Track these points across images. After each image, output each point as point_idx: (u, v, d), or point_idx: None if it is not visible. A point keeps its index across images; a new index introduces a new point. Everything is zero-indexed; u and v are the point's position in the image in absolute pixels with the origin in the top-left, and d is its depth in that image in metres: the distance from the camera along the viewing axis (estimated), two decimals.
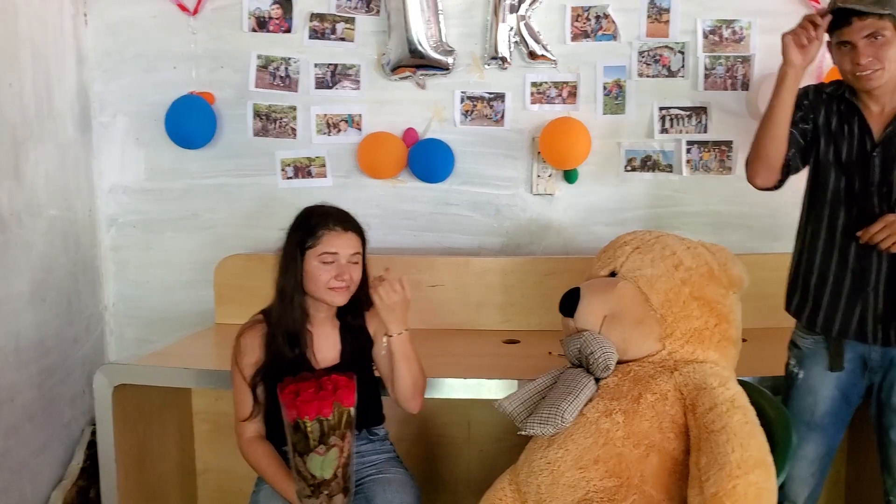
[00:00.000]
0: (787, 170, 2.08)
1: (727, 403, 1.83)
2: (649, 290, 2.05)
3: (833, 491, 2.78)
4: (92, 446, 2.99)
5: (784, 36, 2.00)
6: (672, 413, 1.89)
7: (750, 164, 2.12)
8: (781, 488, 2.11)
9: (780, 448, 1.88)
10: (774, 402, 2.02)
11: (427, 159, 3.06)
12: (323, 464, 1.80)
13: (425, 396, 2.30)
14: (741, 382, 2.04)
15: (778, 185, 2.12)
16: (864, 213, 2.00)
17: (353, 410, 1.87)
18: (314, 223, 2.02)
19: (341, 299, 2.03)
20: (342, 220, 2.05)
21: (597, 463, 1.85)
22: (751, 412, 1.85)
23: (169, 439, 2.82)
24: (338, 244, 2.01)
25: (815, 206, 2.10)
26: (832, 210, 2.05)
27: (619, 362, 2.02)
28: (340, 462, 1.83)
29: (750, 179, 2.12)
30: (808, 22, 1.95)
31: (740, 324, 2.13)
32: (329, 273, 1.99)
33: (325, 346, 2.08)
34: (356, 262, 2.05)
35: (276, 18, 3.10)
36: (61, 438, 2.99)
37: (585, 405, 1.92)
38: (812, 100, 2.11)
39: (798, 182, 2.17)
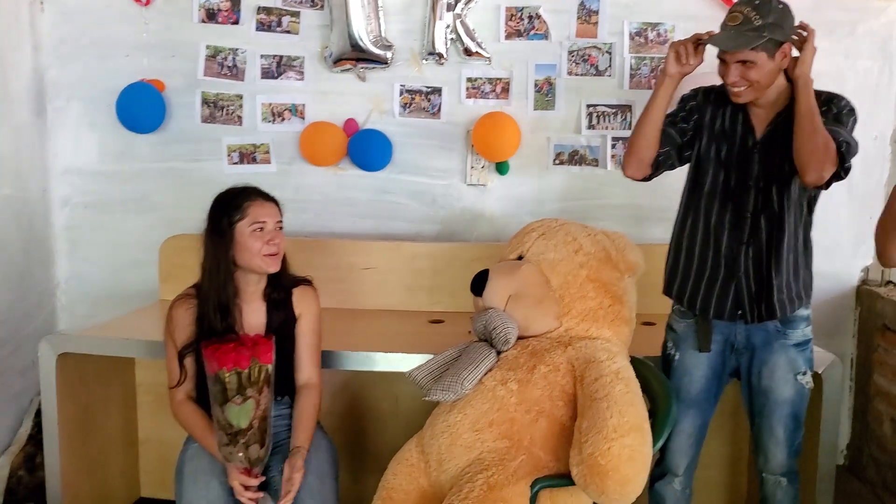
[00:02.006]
0: (658, 165, 2.24)
1: (611, 375, 2.02)
2: (550, 273, 2.24)
3: (735, 467, 2.97)
4: (40, 415, 3.12)
5: (671, 44, 2.18)
6: (563, 383, 2.07)
7: (625, 156, 2.27)
8: (663, 460, 2.32)
9: (660, 417, 2.07)
10: (661, 377, 2.21)
11: (367, 149, 3.22)
12: (240, 413, 1.95)
13: (355, 369, 2.53)
14: (635, 360, 2.23)
15: (648, 178, 2.28)
16: (738, 207, 2.18)
17: (270, 368, 2.02)
18: (237, 199, 2.18)
19: (275, 266, 2.18)
20: (261, 193, 2.22)
21: (491, 426, 2.03)
22: (634, 384, 2.03)
23: (112, 409, 2.96)
24: (264, 213, 2.17)
25: (694, 199, 2.26)
26: (708, 203, 2.22)
27: (521, 337, 2.20)
28: (256, 414, 1.98)
29: (623, 170, 2.27)
30: (690, 42, 2.15)
31: (634, 305, 2.32)
32: (261, 240, 2.14)
33: (253, 319, 2.23)
34: (281, 229, 2.21)
35: (225, 11, 3.24)
36: (10, 407, 3.13)
37: (486, 375, 2.10)
38: (699, 101, 2.27)
39: None
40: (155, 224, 3.36)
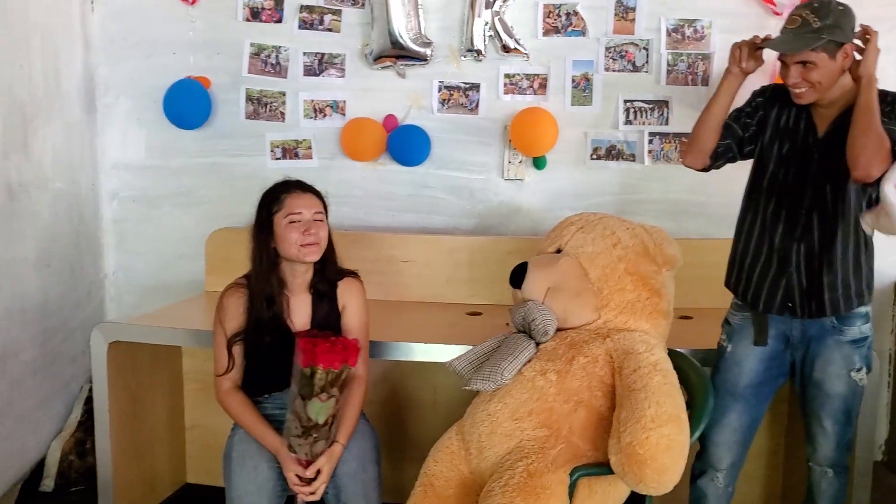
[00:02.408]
0: (717, 157, 2.30)
1: (649, 367, 2.05)
2: (589, 266, 2.27)
3: (772, 459, 2.99)
4: (90, 402, 3.22)
5: (733, 45, 2.25)
6: (601, 374, 2.11)
7: (686, 146, 2.39)
8: (704, 455, 2.35)
9: (697, 409, 2.10)
10: (698, 369, 2.23)
11: (405, 144, 3.28)
12: (321, 410, 2.02)
13: (394, 359, 2.62)
14: (672, 352, 2.26)
15: (707, 168, 2.34)
16: (793, 204, 2.20)
17: (352, 370, 2.10)
18: (277, 192, 2.25)
19: (313, 256, 2.22)
20: (300, 185, 2.28)
21: (530, 415, 2.08)
22: (671, 375, 2.07)
23: (160, 396, 3.05)
24: (300, 204, 2.22)
25: (754, 194, 2.29)
26: (766, 198, 2.25)
27: (560, 329, 2.24)
28: (333, 412, 2.06)
29: (681, 157, 2.40)
30: (747, 45, 2.22)
31: (672, 298, 2.34)
32: (297, 231, 2.19)
33: (300, 311, 2.29)
34: (320, 220, 2.25)
35: (269, 9, 3.32)
36: (61, 394, 3.24)
37: (524, 365, 2.15)
38: (767, 98, 2.30)
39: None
40: (200, 218, 3.46)
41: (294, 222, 2.20)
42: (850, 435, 2.28)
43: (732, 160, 2.35)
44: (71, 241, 3.31)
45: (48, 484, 3.10)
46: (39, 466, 3.10)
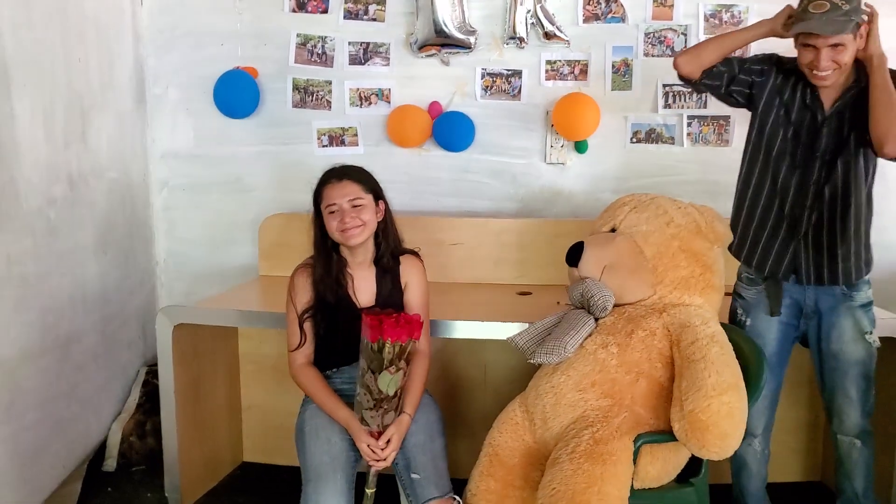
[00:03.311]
0: (709, 75, 2.40)
1: (707, 338, 2.14)
2: (643, 244, 2.36)
3: (812, 432, 3.07)
4: (147, 385, 3.35)
5: (788, 8, 2.35)
6: (660, 347, 2.20)
7: (684, 51, 2.53)
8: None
9: (752, 378, 2.18)
10: (750, 340, 2.32)
11: (450, 130, 3.37)
12: (390, 382, 2.10)
13: (446, 337, 2.67)
14: (724, 325, 2.34)
15: (692, 80, 2.44)
16: (804, 174, 2.31)
17: (416, 343, 2.19)
18: (320, 183, 2.35)
19: (355, 238, 2.29)
20: (338, 173, 2.35)
21: (594, 386, 2.17)
22: (728, 347, 2.16)
23: (219, 377, 3.14)
24: (334, 195, 2.30)
25: (761, 159, 2.40)
26: (776, 165, 2.36)
27: (616, 305, 2.32)
28: (402, 383, 2.15)
29: (675, 58, 2.45)
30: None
31: (723, 273, 2.43)
32: (336, 220, 2.29)
33: (364, 287, 2.38)
34: (360, 205, 2.31)
35: (314, 0, 3.40)
36: (119, 378, 3.35)
37: (585, 339, 2.24)
38: (775, 69, 2.39)
39: None
40: (248, 205, 3.55)
41: (333, 212, 2.29)
42: (871, 399, 2.40)
43: (716, 90, 2.45)
44: (125, 229, 3.41)
45: (110, 464, 3.20)
46: (102, 447, 3.21)
